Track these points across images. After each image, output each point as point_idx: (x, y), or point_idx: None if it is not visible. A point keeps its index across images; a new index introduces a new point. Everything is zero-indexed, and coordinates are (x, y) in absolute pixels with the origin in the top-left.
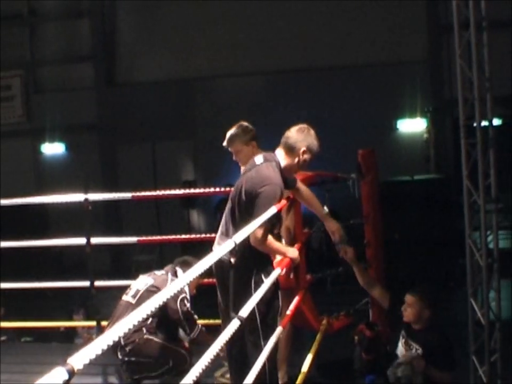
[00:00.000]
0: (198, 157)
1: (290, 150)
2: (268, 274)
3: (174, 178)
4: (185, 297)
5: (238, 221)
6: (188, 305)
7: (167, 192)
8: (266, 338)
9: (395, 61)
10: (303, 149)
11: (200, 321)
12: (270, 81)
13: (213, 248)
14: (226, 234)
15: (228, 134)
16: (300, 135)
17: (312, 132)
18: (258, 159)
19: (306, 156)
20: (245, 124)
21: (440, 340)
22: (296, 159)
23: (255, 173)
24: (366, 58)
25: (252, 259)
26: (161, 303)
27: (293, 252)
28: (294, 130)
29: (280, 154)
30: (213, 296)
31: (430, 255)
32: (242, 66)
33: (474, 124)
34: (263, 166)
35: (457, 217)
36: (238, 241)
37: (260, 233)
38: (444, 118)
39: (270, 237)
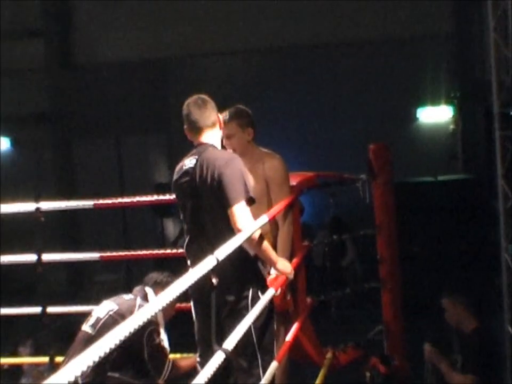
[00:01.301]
0: (173, 154)
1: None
2: (264, 290)
3: (144, 181)
4: (154, 329)
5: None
6: (161, 338)
7: (136, 198)
8: (265, 368)
9: (414, 35)
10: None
11: (174, 355)
12: (260, 61)
13: (188, 261)
14: (206, 238)
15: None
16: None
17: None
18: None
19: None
20: (244, 106)
21: (472, 341)
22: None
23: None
24: (378, 33)
25: (247, 270)
26: (124, 336)
27: (283, 265)
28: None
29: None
30: (188, 325)
31: (458, 273)
32: (226, 43)
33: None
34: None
35: (491, 226)
36: (221, 256)
37: (258, 232)
38: (474, 106)
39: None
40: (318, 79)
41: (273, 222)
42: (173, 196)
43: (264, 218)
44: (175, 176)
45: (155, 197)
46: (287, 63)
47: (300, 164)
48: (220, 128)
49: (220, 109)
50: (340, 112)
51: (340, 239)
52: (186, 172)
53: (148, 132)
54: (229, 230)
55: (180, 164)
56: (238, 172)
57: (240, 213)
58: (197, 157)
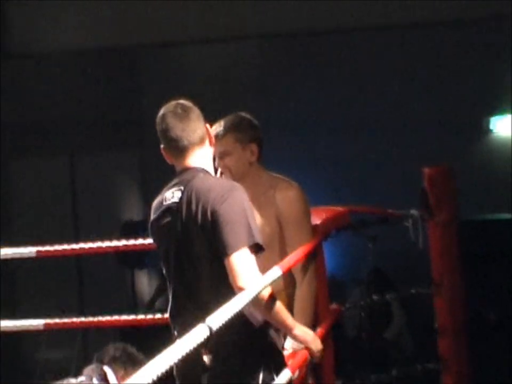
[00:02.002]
0: (148, 179)
1: None
2: (280, 370)
3: (108, 218)
4: None
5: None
6: None
7: (97, 243)
8: None
9: (484, 14)
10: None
11: None
12: (265, 48)
13: (175, 331)
14: (197, 299)
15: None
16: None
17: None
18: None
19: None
20: (247, 115)
21: None
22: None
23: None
24: (432, 13)
25: (253, 344)
26: None
27: (303, 331)
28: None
29: None
30: None
31: None
32: (221, 26)
33: None
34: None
35: None
36: (215, 325)
37: (267, 290)
38: None
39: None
40: (348, 71)
41: (288, 277)
42: (149, 241)
43: (275, 272)
44: (152, 215)
45: (123, 242)
46: (302, 53)
47: (326, 194)
48: (211, 144)
49: (210, 118)
50: (381, 121)
51: (382, 300)
52: (168, 209)
53: (112, 147)
54: (227, 288)
55: (159, 198)
56: (239, 208)
57: (242, 264)
58: (182, 187)
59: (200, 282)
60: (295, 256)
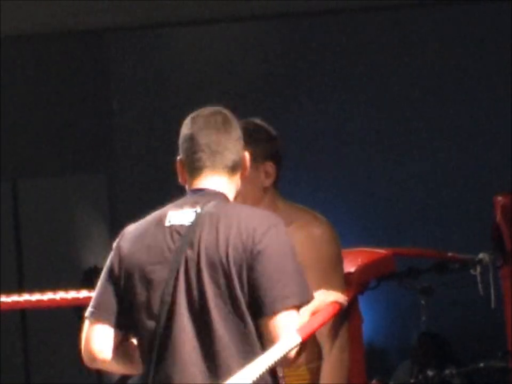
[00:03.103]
0: (118, 209)
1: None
2: None
3: (63, 262)
4: None
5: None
6: None
7: (47, 295)
8: None
9: None
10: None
11: None
12: (265, 31)
13: None
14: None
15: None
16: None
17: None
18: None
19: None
20: (262, 122)
21: None
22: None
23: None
24: None
25: None
26: None
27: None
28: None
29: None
30: None
31: None
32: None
33: None
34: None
35: None
36: None
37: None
38: None
39: None
40: (388, 62)
41: (311, 345)
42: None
43: (293, 339)
44: (135, 237)
45: (83, 293)
46: (316, 38)
47: (363, 233)
48: (242, 178)
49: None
50: (427, 131)
51: (439, 376)
52: (172, 232)
53: (71, 168)
54: (247, 351)
55: (149, 219)
56: (289, 250)
57: (289, 325)
58: (197, 209)
59: (211, 340)
60: (320, 316)
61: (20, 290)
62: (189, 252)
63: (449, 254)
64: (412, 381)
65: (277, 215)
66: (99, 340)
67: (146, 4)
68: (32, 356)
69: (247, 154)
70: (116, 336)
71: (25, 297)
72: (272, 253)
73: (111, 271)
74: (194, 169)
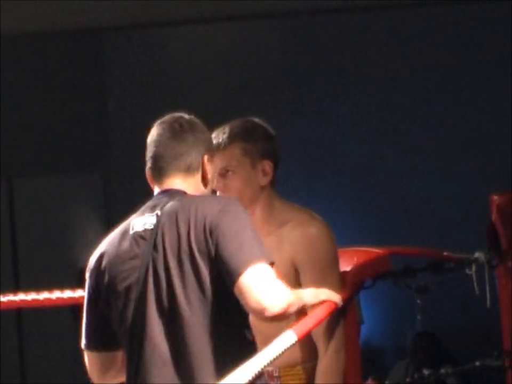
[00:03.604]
0: (114, 208)
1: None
2: None
3: (59, 261)
4: None
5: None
6: None
7: (43, 294)
8: None
9: None
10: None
11: None
12: (266, 30)
13: None
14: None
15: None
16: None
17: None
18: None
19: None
20: (260, 121)
21: None
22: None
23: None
24: None
25: None
26: None
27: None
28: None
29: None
30: None
31: None
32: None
33: None
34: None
35: None
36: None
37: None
38: None
39: None
40: (375, 68)
41: (306, 344)
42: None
43: (289, 338)
44: (100, 252)
45: (79, 292)
46: (316, 37)
47: (359, 232)
48: (204, 184)
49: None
50: (434, 131)
51: (435, 375)
52: (135, 240)
53: (66, 167)
54: (224, 338)
55: (116, 231)
56: (245, 222)
57: (262, 278)
58: (157, 212)
59: (184, 337)
60: (315, 315)
61: (15, 289)
62: (154, 254)
63: (445, 253)
64: (408, 380)
65: (229, 196)
66: (98, 369)
67: (143, 3)
68: (28, 355)
69: (206, 158)
70: (112, 357)
71: (21, 296)
72: (226, 229)
73: (89, 294)
74: (155, 175)
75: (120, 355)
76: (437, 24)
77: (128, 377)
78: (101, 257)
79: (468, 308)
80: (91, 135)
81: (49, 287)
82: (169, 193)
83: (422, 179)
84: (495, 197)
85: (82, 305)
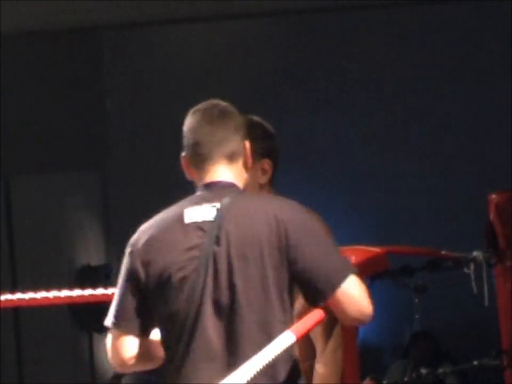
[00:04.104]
0: (112, 207)
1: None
2: None
3: (56, 260)
4: None
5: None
6: None
7: (40, 293)
8: None
9: None
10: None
11: None
12: (269, 28)
13: None
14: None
15: None
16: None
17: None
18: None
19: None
20: (259, 119)
21: None
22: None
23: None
24: None
25: None
26: None
27: None
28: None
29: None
30: None
31: None
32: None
33: None
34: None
35: None
36: None
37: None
38: None
39: None
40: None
41: (304, 344)
42: (115, 291)
43: (288, 338)
44: (151, 240)
45: (76, 291)
46: (317, 35)
47: (357, 231)
48: (246, 169)
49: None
50: (433, 130)
51: (433, 375)
52: (196, 229)
53: (63, 165)
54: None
55: (172, 214)
56: (327, 233)
57: (359, 287)
58: (216, 203)
59: (238, 336)
60: (313, 316)
61: (13, 288)
62: (216, 248)
63: (443, 252)
64: (406, 379)
65: (298, 203)
66: (127, 351)
67: (141, 2)
68: (25, 354)
69: (247, 144)
70: (140, 342)
71: (19, 295)
72: (310, 243)
73: (131, 275)
74: (198, 162)
75: (146, 343)
76: (437, 23)
77: (168, 369)
78: (148, 241)
79: (465, 306)
80: (90, 134)
81: (47, 286)
82: (221, 186)
83: (421, 179)
84: (493, 196)
85: (80, 305)
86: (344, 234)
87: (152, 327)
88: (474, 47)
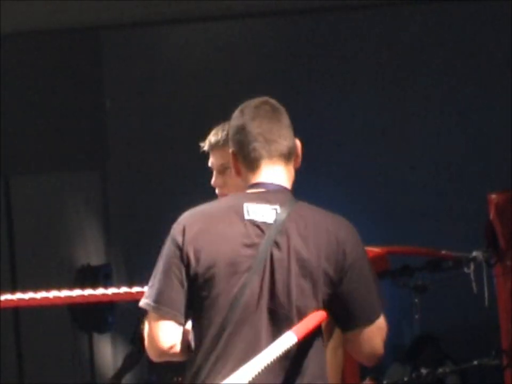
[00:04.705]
0: (112, 207)
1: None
2: None
3: (55, 260)
4: None
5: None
6: None
7: (40, 293)
8: None
9: None
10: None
11: None
12: (271, 28)
13: None
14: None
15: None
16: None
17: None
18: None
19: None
20: None
21: None
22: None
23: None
24: None
25: None
26: None
27: None
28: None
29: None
30: None
31: None
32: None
33: None
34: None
35: None
36: None
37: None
38: None
39: None
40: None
41: None
42: (115, 291)
43: (289, 339)
44: (203, 228)
45: (76, 291)
46: (319, 36)
47: (357, 231)
48: (297, 164)
49: (196, 120)
50: (432, 130)
51: (433, 375)
52: (256, 228)
53: (63, 165)
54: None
55: (228, 205)
56: (368, 260)
57: (384, 329)
58: (276, 206)
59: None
60: (314, 317)
61: (13, 288)
62: (275, 252)
63: (443, 252)
64: (406, 379)
65: (346, 220)
66: (167, 337)
67: (141, 2)
68: (25, 354)
69: (298, 142)
70: (180, 330)
71: (19, 295)
72: (360, 268)
73: (179, 261)
74: (251, 160)
75: (185, 332)
76: (435, 23)
77: (199, 364)
78: (202, 229)
79: (466, 306)
80: (88, 134)
81: (47, 286)
82: (277, 188)
83: (421, 178)
84: (493, 196)
85: (79, 305)
86: None
87: (188, 316)
88: (474, 47)
